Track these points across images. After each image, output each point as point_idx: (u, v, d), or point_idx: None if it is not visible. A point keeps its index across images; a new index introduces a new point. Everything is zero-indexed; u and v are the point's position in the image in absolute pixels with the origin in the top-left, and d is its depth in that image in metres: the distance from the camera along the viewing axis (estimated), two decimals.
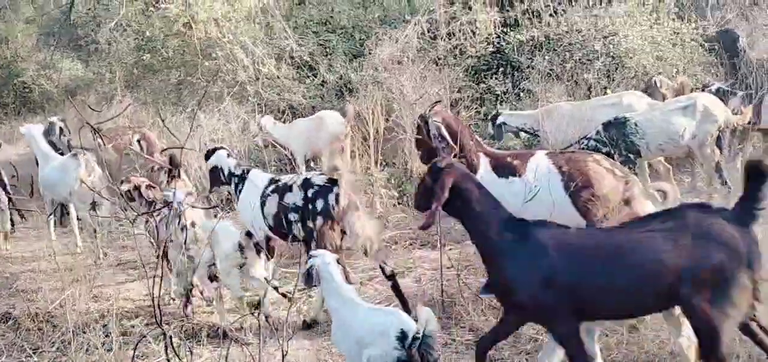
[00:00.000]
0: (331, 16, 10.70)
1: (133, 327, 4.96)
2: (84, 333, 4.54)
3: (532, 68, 8.80)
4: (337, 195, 4.47)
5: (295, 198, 4.60)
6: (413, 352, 2.96)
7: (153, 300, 2.71)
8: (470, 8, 9.24)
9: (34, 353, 4.48)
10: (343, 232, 4.61)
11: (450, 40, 9.16)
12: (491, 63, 9.35)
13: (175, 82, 11.46)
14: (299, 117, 9.20)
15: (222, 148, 5.41)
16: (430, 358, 2.98)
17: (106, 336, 4.59)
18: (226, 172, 5.11)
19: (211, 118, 9.10)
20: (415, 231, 6.64)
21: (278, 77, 9.77)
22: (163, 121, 7.33)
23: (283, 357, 3.48)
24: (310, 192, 4.54)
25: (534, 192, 4.21)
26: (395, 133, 7.94)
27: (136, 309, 5.46)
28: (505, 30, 9.35)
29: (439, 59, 9.05)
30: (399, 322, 3.13)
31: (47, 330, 4.80)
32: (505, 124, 7.33)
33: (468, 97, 8.26)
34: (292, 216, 4.59)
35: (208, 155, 5.32)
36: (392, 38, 8.99)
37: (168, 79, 11.67)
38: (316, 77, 9.87)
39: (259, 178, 4.96)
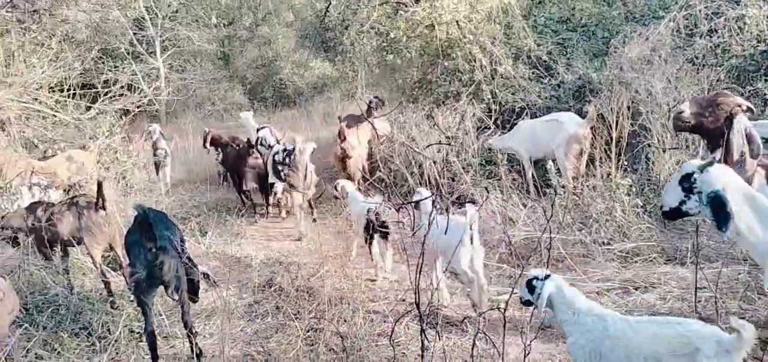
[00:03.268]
0: (572, 14, 10.33)
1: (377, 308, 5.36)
2: (336, 306, 5.03)
3: None
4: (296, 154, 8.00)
5: (279, 156, 8.34)
6: None
7: (416, 289, 2.86)
8: (738, 2, 8.20)
9: (294, 317, 5.05)
10: (304, 177, 8.08)
11: (711, 37, 8.22)
12: (761, 63, 8.20)
13: (414, 81, 12.02)
14: (533, 117, 9.05)
15: (266, 127, 9.55)
16: None
17: (354, 311, 5.03)
18: (267, 142, 8.98)
19: (446, 116, 9.39)
20: (660, 244, 6.14)
21: (514, 77, 9.70)
22: (432, 118, 8.06)
23: (525, 356, 3.46)
24: (285, 153, 8.31)
25: None
26: (641, 137, 7.41)
27: (380, 289, 5.91)
28: None
29: (696, 58, 8.19)
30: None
31: (306, 299, 5.38)
32: None
33: None
34: (279, 167, 8.32)
35: (259, 130, 9.47)
36: (641, 36, 8.35)
37: (407, 78, 12.29)
38: (552, 77, 9.60)
39: (276, 148, 8.62)
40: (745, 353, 2.88)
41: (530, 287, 3.63)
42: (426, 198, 5.14)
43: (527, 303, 3.70)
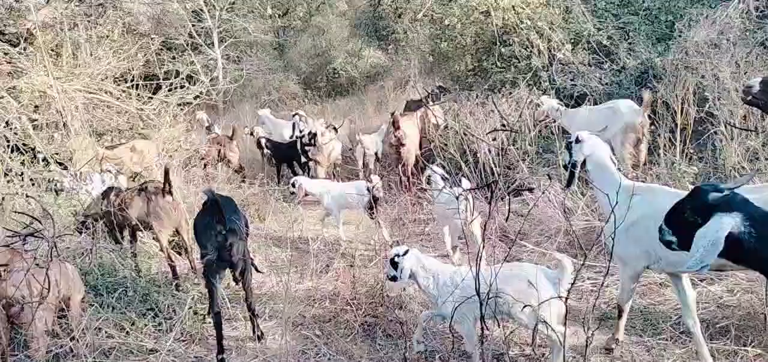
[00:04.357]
0: None
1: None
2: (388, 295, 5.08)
3: None
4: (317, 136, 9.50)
5: (305, 139, 9.75)
6: None
7: (476, 275, 2.86)
8: None
9: (347, 305, 5.13)
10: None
11: None
12: None
13: (468, 69, 11.91)
14: (595, 104, 8.83)
15: (297, 113, 11.61)
16: None
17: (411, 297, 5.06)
18: (299, 128, 10.66)
19: (502, 103, 9.27)
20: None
21: (573, 62, 9.49)
22: (494, 104, 8.32)
23: (587, 346, 3.42)
24: (310, 135, 9.68)
25: None
26: (708, 124, 7.14)
27: None
28: None
29: (767, 42, 7.81)
30: None
31: (363, 284, 5.43)
32: None
33: None
34: (307, 147, 9.75)
35: (294, 115, 11.57)
36: (708, 19, 8.03)
37: (461, 65, 12.19)
38: (613, 62, 9.34)
39: (305, 131, 10.11)
40: (568, 283, 3.72)
41: (393, 264, 4.13)
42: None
43: (393, 279, 4.20)
